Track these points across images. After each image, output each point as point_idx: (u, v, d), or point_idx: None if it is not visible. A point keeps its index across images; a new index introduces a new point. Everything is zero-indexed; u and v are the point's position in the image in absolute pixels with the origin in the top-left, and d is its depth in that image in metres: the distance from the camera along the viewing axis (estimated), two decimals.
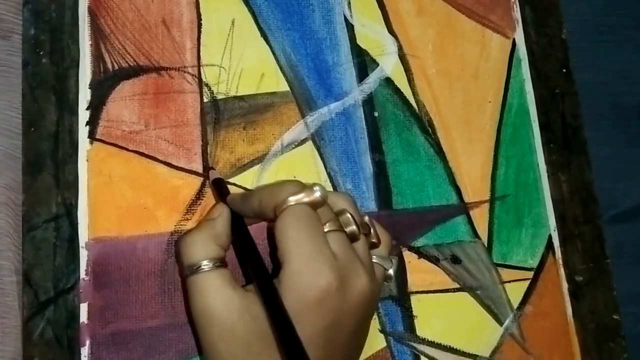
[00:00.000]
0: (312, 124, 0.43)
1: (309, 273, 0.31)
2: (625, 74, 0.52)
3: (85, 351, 0.38)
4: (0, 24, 0.41)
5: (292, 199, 0.33)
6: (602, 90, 0.50)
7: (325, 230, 0.33)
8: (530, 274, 0.44)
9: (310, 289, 0.31)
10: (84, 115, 0.40)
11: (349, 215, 0.35)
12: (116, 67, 0.41)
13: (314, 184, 0.33)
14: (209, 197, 0.41)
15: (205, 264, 0.33)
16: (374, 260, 0.36)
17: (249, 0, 0.44)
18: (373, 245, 0.37)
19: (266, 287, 0.32)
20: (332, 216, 0.34)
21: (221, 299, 0.33)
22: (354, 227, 0.35)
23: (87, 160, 0.40)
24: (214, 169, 0.41)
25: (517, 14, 0.48)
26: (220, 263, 0.34)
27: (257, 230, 0.39)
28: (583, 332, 0.44)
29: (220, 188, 0.39)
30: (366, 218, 0.37)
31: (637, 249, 0.49)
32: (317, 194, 0.33)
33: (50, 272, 0.39)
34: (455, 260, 0.43)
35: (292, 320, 0.30)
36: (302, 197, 0.33)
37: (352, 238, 0.35)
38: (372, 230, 0.37)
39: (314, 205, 0.33)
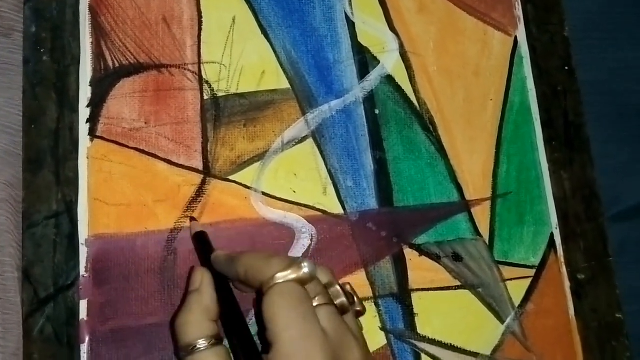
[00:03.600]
0: (313, 122, 0.43)
1: (300, 356, 0.30)
2: (628, 71, 0.51)
3: (84, 348, 0.38)
4: (2, 21, 0.41)
5: (280, 276, 0.32)
6: (604, 87, 0.50)
7: (315, 304, 0.32)
8: (532, 272, 0.44)
9: None
10: (84, 112, 0.41)
11: (338, 287, 0.34)
12: (117, 64, 0.41)
13: (302, 259, 0.33)
14: (209, 195, 0.41)
15: (201, 343, 0.32)
16: None
17: None
18: (359, 314, 0.36)
19: None
20: (321, 289, 0.33)
21: None
22: (343, 299, 0.34)
23: (87, 158, 0.40)
24: (195, 220, 0.40)
25: (519, 11, 0.48)
26: (216, 340, 0.33)
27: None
28: (585, 330, 0.44)
29: (203, 244, 0.38)
30: (347, 287, 0.36)
31: (639, 247, 0.49)
32: (306, 270, 0.32)
33: (50, 269, 0.39)
34: (457, 257, 0.43)
35: None
36: (290, 273, 0.32)
37: (342, 311, 0.34)
38: (355, 299, 0.36)
39: (302, 282, 0.32)
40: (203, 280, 0.35)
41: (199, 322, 0.33)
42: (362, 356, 0.33)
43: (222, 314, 0.34)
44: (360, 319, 0.40)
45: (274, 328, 0.31)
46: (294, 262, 0.33)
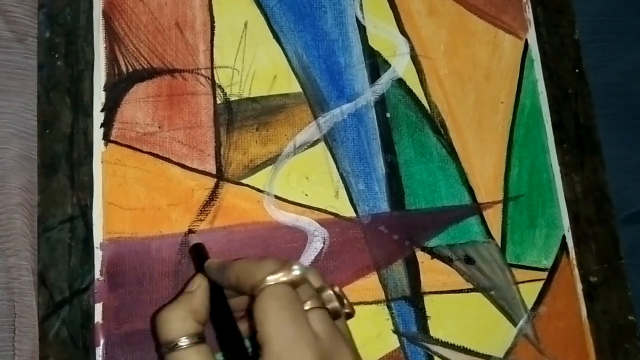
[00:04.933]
0: (325, 125, 0.43)
1: (291, 358, 0.30)
2: (638, 73, 0.51)
3: (99, 351, 0.38)
4: (16, 27, 0.42)
5: (271, 279, 0.31)
6: (615, 90, 0.50)
7: (307, 308, 0.32)
8: (544, 275, 0.44)
9: None
10: (98, 117, 0.41)
11: (329, 291, 0.34)
12: (130, 69, 0.42)
13: (293, 262, 0.32)
14: (222, 198, 0.41)
15: (183, 341, 0.32)
16: None
17: (262, 3, 0.44)
18: (348, 316, 0.36)
19: None
20: (313, 293, 0.33)
21: None
22: (336, 304, 0.34)
23: (101, 162, 0.40)
24: (194, 232, 0.40)
25: (529, 14, 0.48)
26: (198, 339, 0.33)
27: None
28: (598, 333, 0.44)
29: (199, 254, 0.38)
30: (336, 288, 0.36)
31: None
32: (296, 272, 0.32)
33: (65, 273, 0.39)
34: (469, 260, 0.43)
35: None
36: (281, 276, 0.32)
37: (335, 315, 0.34)
38: (345, 301, 0.36)
39: (293, 284, 0.32)
40: (200, 285, 0.35)
41: (183, 319, 0.33)
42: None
43: (214, 321, 0.35)
44: (372, 321, 0.41)
45: (265, 330, 0.30)
46: (285, 265, 0.32)
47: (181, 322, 0.33)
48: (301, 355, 0.30)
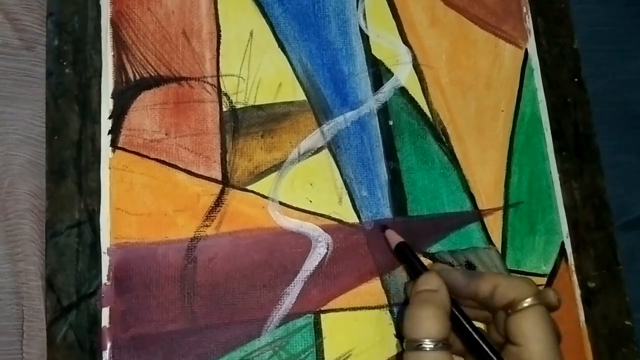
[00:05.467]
0: (328, 133, 0.44)
1: None
2: (636, 82, 0.52)
3: (106, 355, 0.38)
4: (25, 35, 0.42)
5: (532, 300, 0.34)
6: (613, 98, 0.51)
7: (528, 302, 0.34)
8: (544, 280, 0.44)
9: None
10: (106, 124, 0.41)
11: None
12: (137, 77, 0.42)
13: (549, 289, 0.36)
14: (228, 204, 0.41)
15: (428, 343, 0.32)
16: None
17: (267, 12, 0.45)
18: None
19: None
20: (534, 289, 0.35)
21: None
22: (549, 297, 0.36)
23: (109, 168, 0.41)
24: (388, 227, 0.41)
25: (529, 24, 0.49)
26: (443, 344, 0.32)
27: None
28: (596, 337, 0.45)
29: (411, 253, 0.39)
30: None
31: None
32: (555, 299, 0.35)
33: (72, 277, 0.39)
34: (470, 266, 0.43)
35: None
36: (543, 298, 0.34)
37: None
38: None
39: (551, 309, 0.35)
40: (441, 285, 0.36)
41: (434, 318, 0.33)
42: None
43: (455, 324, 0.35)
44: (375, 326, 0.41)
45: (533, 347, 0.33)
46: (543, 290, 0.36)
47: (431, 321, 0.33)
48: None
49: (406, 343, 0.33)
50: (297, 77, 0.44)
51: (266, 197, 0.42)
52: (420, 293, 0.35)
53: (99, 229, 0.40)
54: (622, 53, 0.52)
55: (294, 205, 0.42)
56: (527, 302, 0.34)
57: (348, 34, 0.46)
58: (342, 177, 0.44)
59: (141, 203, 0.41)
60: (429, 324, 0.33)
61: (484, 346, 0.34)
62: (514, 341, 0.34)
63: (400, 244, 0.40)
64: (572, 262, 0.45)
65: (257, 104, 0.43)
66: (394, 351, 0.41)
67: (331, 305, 0.41)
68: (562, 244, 0.45)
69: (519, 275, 0.44)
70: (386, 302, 0.42)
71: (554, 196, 0.46)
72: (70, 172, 0.41)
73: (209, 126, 0.42)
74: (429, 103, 0.46)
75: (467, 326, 0.35)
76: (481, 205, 0.45)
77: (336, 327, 0.41)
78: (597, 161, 0.48)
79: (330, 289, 0.41)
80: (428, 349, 0.32)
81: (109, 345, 0.39)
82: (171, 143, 0.42)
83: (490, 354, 0.34)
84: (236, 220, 0.41)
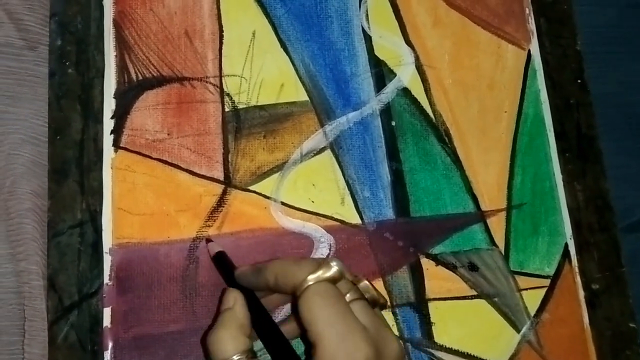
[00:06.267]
0: (331, 133, 0.44)
1: (346, 352, 0.30)
2: (639, 84, 0.52)
3: (108, 355, 0.38)
4: (28, 35, 0.42)
5: (312, 278, 0.32)
6: (616, 100, 0.51)
7: (348, 300, 0.33)
8: (547, 282, 0.44)
9: None
10: (108, 124, 0.41)
11: (366, 282, 0.35)
12: (140, 77, 0.42)
13: (330, 259, 0.33)
14: (230, 205, 0.41)
15: (237, 358, 0.32)
16: None
17: (270, 12, 0.45)
18: (382, 306, 0.37)
19: None
20: (351, 285, 0.34)
21: None
22: (374, 293, 0.35)
23: (111, 168, 0.41)
24: (212, 240, 0.41)
25: (532, 25, 0.49)
26: (252, 355, 0.33)
27: None
28: (599, 339, 0.44)
29: (223, 264, 0.39)
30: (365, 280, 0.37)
31: None
32: (335, 269, 0.33)
33: (74, 277, 0.39)
34: (473, 267, 0.43)
35: None
36: (321, 274, 0.33)
37: (373, 304, 0.35)
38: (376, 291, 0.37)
39: (334, 281, 0.33)
40: (236, 299, 0.35)
41: (234, 337, 0.33)
42: (399, 346, 0.33)
43: (257, 329, 0.35)
44: None
45: (316, 328, 0.31)
46: (323, 263, 0.33)
47: (233, 340, 0.33)
48: (355, 348, 0.31)
49: None
50: (300, 78, 0.44)
51: (268, 198, 0.42)
52: (220, 314, 0.35)
53: (101, 229, 0.40)
54: (625, 54, 0.52)
55: (296, 205, 0.42)
56: (306, 282, 0.32)
57: (351, 35, 0.46)
58: (344, 177, 0.43)
59: (143, 203, 0.41)
60: (230, 342, 0.33)
61: (280, 344, 0.34)
62: (303, 328, 0.32)
63: (218, 254, 0.39)
64: (576, 264, 0.45)
65: (259, 104, 0.43)
66: None
67: None
68: (566, 245, 0.45)
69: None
70: (388, 303, 0.42)
71: (557, 197, 0.46)
72: (73, 172, 0.41)
73: (211, 126, 0.42)
74: (431, 104, 0.46)
75: (258, 328, 0.35)
76: (484, 207, 0.45)
77: None
78: (600, 162, 0.48)
79: None
80: None
81: (110, 345, 0.38)
82: (173, 143, 0.42)
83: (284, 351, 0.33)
84: (238, 220, 0.41)
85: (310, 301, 0.32)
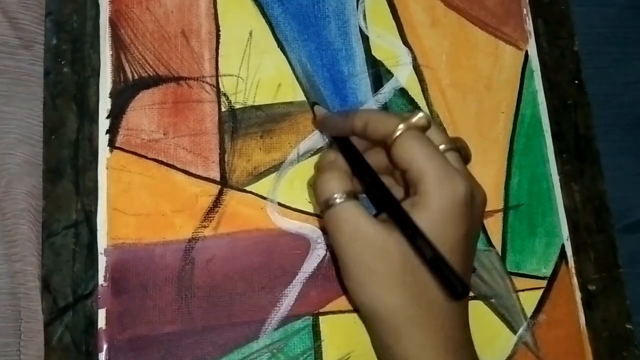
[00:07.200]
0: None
1: (450, 183, 0.33)
2: (637, 84, 0.52)
3: (102, 356, 0.38)
4: (23, 33, 0.42)
5: (402, 126, 0.35)
6: (613, 101, 0.51)
7: (441, 149, 0.36)
8: (544, 283, 0.44)
9: (453, 198, 0.33)
10: (104, 123, 0.41)
11: (455, 137, 0.38)
12: (136, 76, 0.42)
13: (416, 111, 0.36)
14: (226, 205, 0.41)
15: (339, 197, 0.35)
16: None
17: (267, 12, 0.45)
18: (466, 160, 0.40)
19: (400, 211, 0.34)
20: (445, 137, 0.37)
21: (366, 221, 0.34)
22: (464, 145, 0.39)
23: (106, 168, 0.41)
24: (317, 104, 0.43)
25: (529, 26, 0.49)
26: (354, 196, 0.35)
27: None
28: (596, 341, 0.44)
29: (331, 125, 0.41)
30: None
31: None
32: (423, 117, 0.35)
33: (69, 278, 0.39)
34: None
35: (437, 229, 0.33)
36: (411, 122, 0.35)
37: (464, 159, 0.38)
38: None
39: (423, 129, 0.36)
40: (337, 154, 0.39)
41: (336, 178, 0.36)
42: (484, 196, 0.37)
43: (358, 175, 0.38)
44: None
45: (417, 164, 0.34)
46: (411, 115, 0.36)
47: (336, 180, 0.36)
48: (458, 182, 0.34)
49: (320, 208, 0.36)
50: (297, 78, 0.44)
51: (265, 198, 0.42)
52: (321, 166, 0.39)
53: (96, 230, 0.40)
54: (622, 55, 0.52)
55: (293, 206, 0.42)
56: (399, 130, 0.35)
57: (348, 35, 0.45)
58: None
59: (139, 203, 0.40)
60: (332, 182, 0.36)
61: (380, 188, 0.36)
62: (402, 169, 0.35)
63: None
64: (573, 265, 0.45)
65: (256, 104, 0.43)
66: None
67: (330, 307, 0.41)
68: (563, 246, 0.45)
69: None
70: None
71: (554, 198, 0.46)
72: (68, 172, 0.41)
73: (208, 126, 0.42)
74: (429, 104, 0.46)
75: (366, 173, 0.37)
76: None
77: (335, 330, 0.41)
78: (598, 163, 0.47)
79: (330, 291, 0.41)
80: (338, 202, 0.35)
81: (105, 347, 0.38)
82: (169, 143, 0.41)
83: (384, 194, 0.36)
84: (234, 221, 0.41)
85: (407, 143, 0.34)
